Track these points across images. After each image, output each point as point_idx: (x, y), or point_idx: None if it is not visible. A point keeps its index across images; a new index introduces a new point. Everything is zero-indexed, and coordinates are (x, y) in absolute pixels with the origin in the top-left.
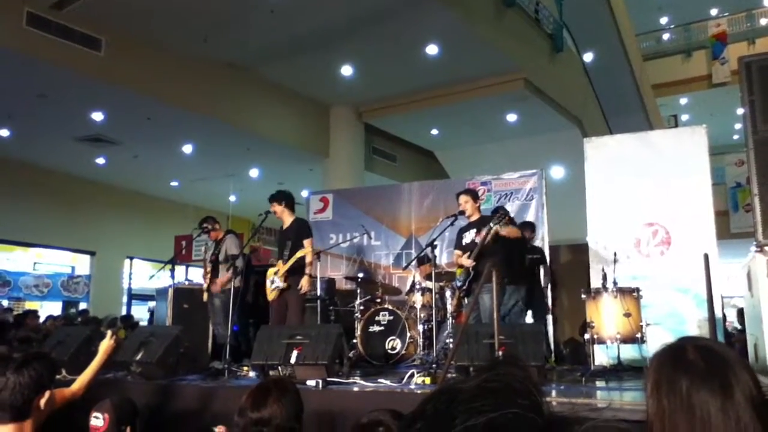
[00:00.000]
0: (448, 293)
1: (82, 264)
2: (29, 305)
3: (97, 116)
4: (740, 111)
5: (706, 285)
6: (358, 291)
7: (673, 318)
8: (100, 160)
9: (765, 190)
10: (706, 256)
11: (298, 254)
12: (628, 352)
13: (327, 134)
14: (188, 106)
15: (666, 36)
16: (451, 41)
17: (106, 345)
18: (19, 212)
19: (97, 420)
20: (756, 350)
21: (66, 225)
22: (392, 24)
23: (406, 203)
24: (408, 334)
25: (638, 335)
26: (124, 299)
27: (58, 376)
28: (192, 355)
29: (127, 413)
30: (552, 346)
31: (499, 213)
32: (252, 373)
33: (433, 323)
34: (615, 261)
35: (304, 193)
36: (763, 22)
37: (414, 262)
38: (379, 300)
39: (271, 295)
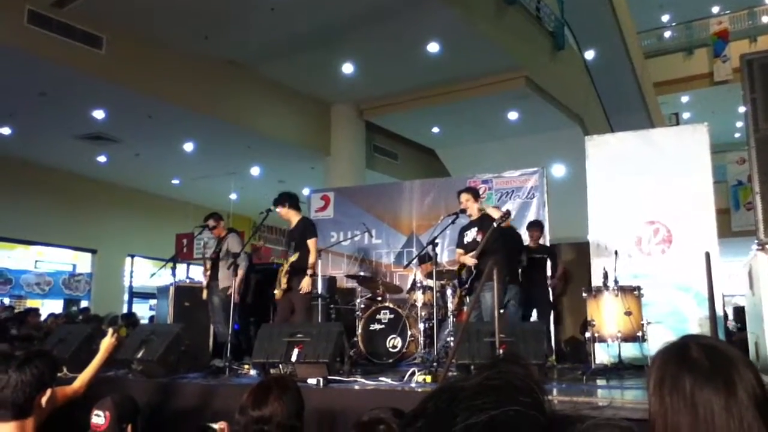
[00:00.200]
0: (449, 291)
1: (83, 262)
2: (30, 303)
3: (98, 114)
4: (742, 109)
5: (707, 283)
6: (359, 289)
7: (674, 316)
8: (102, 158)
9: (766, 189)
10: (708, 255)
11: (292, 259)
12: (629, 350)
13: (328, 132)
14: (189, 104)
15: (667, 34)
16: (452, 39)
17: (107, 343)
18: (21, 210)
19: (98, 418)
20: (757, 348)
21: (67, 223)
22: (393, 22)
23: (407, 201)
24: (409, 333)
25: (639, 334)
26: (126, 297)
27: (59, 374)
28: (193, 353)
29: (128, 411)
30: (553, 345)
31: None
32: (253, 372)
33: (434, 321)
34: (616, 259)
35: (305, 191)
36: (765, 19)
37: (415, 261)
38: (380, 298)
39: (276, 295)
